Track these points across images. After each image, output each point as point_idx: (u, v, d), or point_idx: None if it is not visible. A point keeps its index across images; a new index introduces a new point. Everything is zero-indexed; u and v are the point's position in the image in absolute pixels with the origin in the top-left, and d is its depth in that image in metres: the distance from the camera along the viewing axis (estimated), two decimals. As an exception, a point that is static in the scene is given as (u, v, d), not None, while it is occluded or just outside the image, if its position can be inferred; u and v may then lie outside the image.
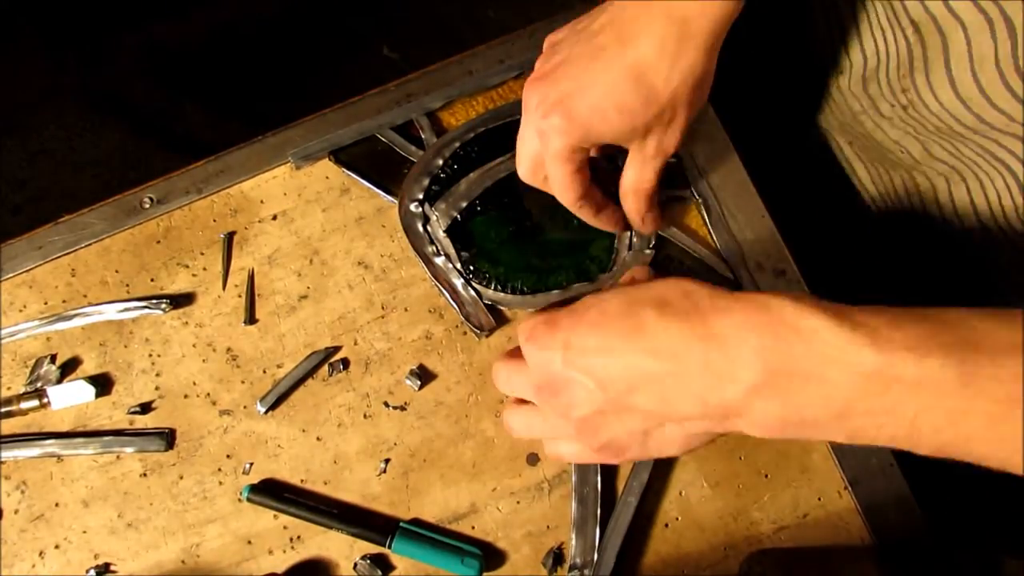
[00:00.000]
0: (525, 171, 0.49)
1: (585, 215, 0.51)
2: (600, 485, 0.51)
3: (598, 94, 0.44)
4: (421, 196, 0.57)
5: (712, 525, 0.51)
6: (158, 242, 0.58)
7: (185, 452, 0.54)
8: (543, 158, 0.47)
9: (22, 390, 0.55)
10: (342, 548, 0.51)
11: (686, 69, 0.43)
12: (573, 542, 0.50)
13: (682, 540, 0.51)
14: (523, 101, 0.47)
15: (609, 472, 0.52)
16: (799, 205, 0.61)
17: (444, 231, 0.56)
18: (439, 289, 0.56)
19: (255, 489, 0.52)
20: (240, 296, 0.57)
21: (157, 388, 0.55)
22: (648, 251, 0.55)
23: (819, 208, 0.69)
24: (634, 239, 0.56)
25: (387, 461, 0.53)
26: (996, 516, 0.63)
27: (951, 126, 0.52)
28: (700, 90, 0.45)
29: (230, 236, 0.58)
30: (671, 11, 0.43)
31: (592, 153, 0.49)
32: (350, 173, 0.59)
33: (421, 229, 0.57)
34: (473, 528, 0.51)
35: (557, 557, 0.50)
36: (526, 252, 0.56)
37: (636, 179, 0.49)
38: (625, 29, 0.44)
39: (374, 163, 0.59)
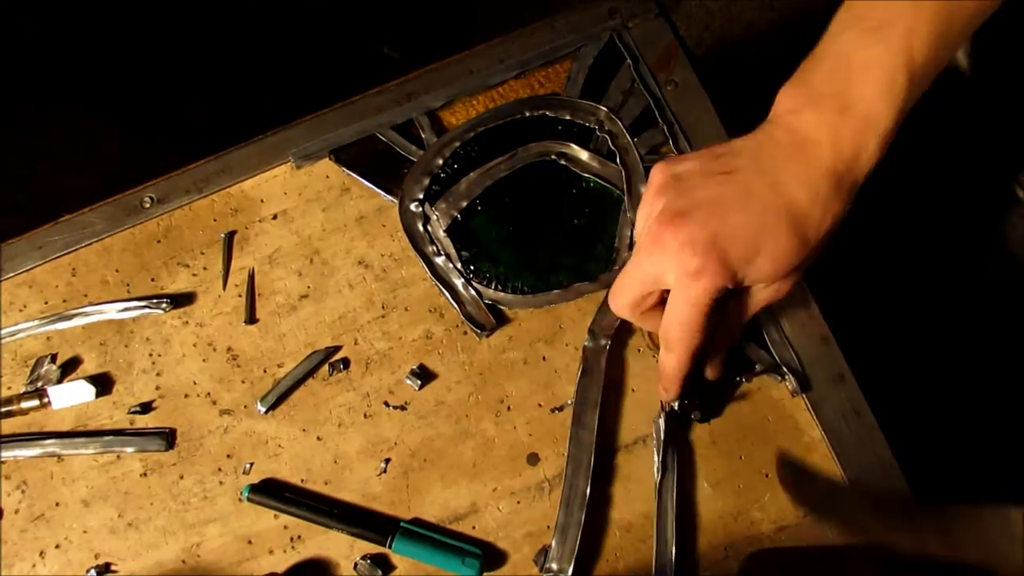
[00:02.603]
0: (628, 300, 0.46)
1: (684, 360, 0.46)
2: (589, 493, 0.50)
3: (753, 240, 0.43)
4: (421, 196, 0.57)
5: (712, 525, 0.51)
6: (158, 242, 0.58)
7: (185, 452, 0.54)
8: (652, 295, 0.46)
9: (22, 390, 0.55)
10: (342, 548, 0.51)
11: (834, 217, 0.43)
12: (553, 546, 0.50)
13: (682, 540, 0.51)
14: (657, 236, 0.44)
15: (607, 481, 0.52)
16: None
17: (444, 231, 0.56)
18: (439, 289, 0.56)
19: (255, 489, 0.52)
20: (240, 296, 0.57)
21: (157, 388, 0.55)
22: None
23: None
24: (635, 240, 0.56)
25: (387, 461, 0.53)
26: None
27: None
28: (834, 234, 0.45)
29: (230, 235, 0.58)
30: (824, 161, 0.43)
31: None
32: (350, 172, 0.59)
33: (421, 229, 0.57)
34: (474, 528, 0.51)
35: (549, 555, 0.50)
36: (526, 252, 0.56)
37: (737, 318, 0.48)
38: (777, 174, 0.43)
39: (374, 163, 0.59)
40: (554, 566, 0.49)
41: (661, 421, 0.51)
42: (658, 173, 0.47)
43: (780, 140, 0.44)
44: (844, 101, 0.42)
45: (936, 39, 0.42)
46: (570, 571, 0.49)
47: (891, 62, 0.42)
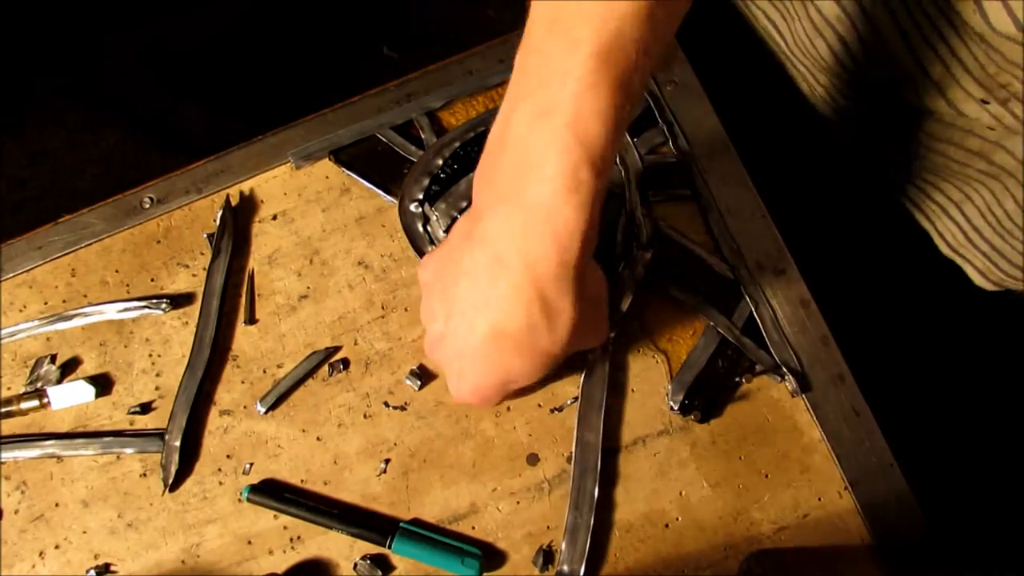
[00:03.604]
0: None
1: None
2: (597, 494, 0.50)
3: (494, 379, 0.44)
4: (421, 196, 0.57)
5: (712, 525, 0.51)
6: (158, 242, 0.58)
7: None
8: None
9: (22, 390, 0.55)
10: (342, 548, 0.51)
11: (570, 318, 0.41)
12: (564, 548, 0.50)
13: (682, 540, 0.51)
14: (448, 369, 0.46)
15: (608, 481, 0.52)
16: (799, 204, 0.61)
17: (444, 231, 0.56)
18: (439, 289, 0.56)
19: (255, 489, 0.52)
20: (240, 296, 0.57)
21: (157, 388, 0.55)
22: (647, 252, 0.55)
23: (819, 206, 0.69)
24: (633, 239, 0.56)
25: (387, 461, 0.53)
26: (995, 517, 0.63)
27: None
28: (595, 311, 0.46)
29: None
30: (521, 280, 0.40)
31: None
32: (350, 173, 0.59)
33: (421, 229, 0.57)
34: (473, 528, 0.51)
35: (547, 556, 0.50)
36: (526, 252, 0.56)
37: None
38: (486, 304, 0.41)
39: (374, 163, 0.59)
40: (565, 568, 0.49)
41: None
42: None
43: (479, 262, 0.41)
44: (526, 205, 0.38)
45: (613, 114, 0.37)
46: (582, 572, 0.49)
47: (569, 161, 0.37)
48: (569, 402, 0.53)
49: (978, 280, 0.61)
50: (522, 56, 0.39)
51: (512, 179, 0.39)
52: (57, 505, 0.53)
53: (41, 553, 0.52)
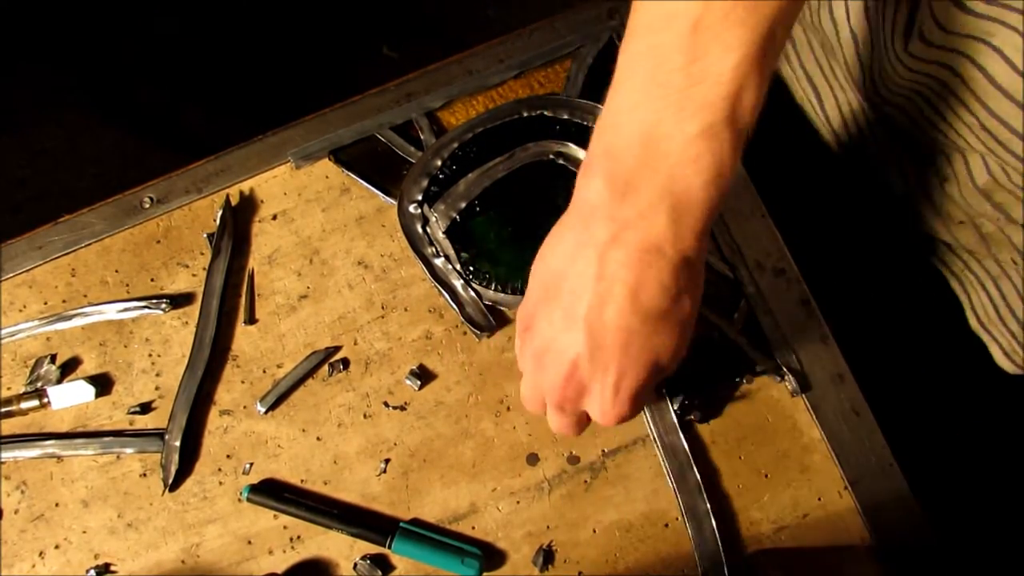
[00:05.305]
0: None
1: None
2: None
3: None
4: (420, 197, 0.57)
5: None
6: (158, 242, 0.58)
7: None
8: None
9: (22, 390, 0.55)
10: (342, 548, 0.51)
11: (692, 300, 0.42)
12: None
13: (682, 540, 0.51)
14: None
15: (608, 481, 0.52)
16: (798, 203, 0.61)
17: (443, 232, 0.56)
18: (439, 290, 0.56)
19: (255, 489, 0.52)
20: (240, 296, 0.57)
21: (157, 388, 0.55)
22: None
23: (819, 206, 0.69)
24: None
25: (387, 461, 0.53)
26: (995, 516, 0.63)
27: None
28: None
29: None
30: (668, 262, 0.40)
31: None
32: (350, 173, 0.59)
33: (420, 230, 0.57)
34: (473, 528, 0.51)
35: (547, 555, 0.50)
36: (526, 252, 0.56)
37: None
38: (627, 289, 0.41)
39: (374, 163, 0.59)
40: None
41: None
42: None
43: (620, 260, 0.40)
44: (675, 203, 0.39)
45: (760, 103, 0.38)
46: None
47: (721, 151, 0.38)
48: (569, 402, 0.53)
49: (1002, 362, 0.61)
50: (654, 54, 0.39)
51: (652, 171, 0.40)
52: (57, 505, 0.53)
53: (41, 553, 0.52)
